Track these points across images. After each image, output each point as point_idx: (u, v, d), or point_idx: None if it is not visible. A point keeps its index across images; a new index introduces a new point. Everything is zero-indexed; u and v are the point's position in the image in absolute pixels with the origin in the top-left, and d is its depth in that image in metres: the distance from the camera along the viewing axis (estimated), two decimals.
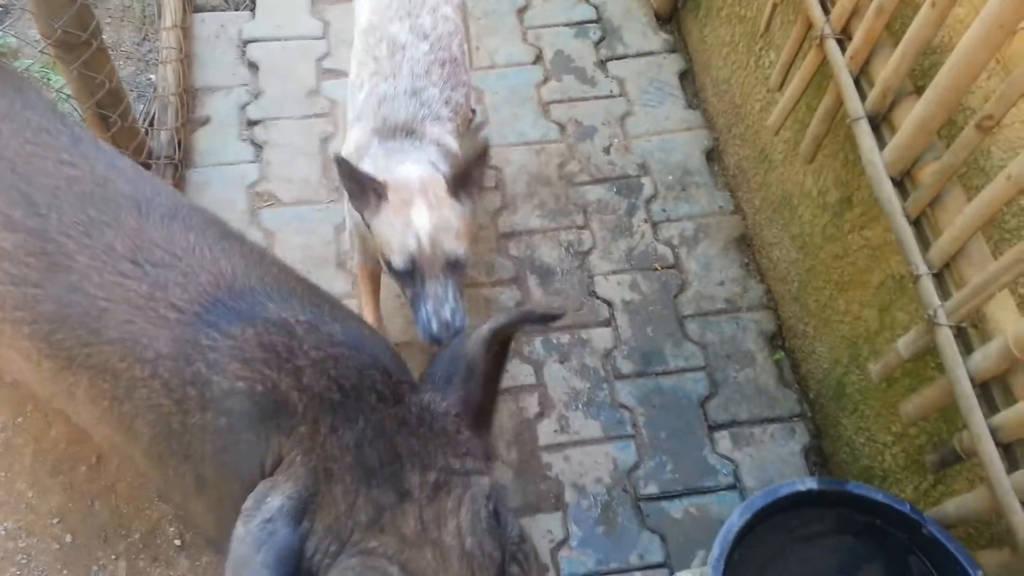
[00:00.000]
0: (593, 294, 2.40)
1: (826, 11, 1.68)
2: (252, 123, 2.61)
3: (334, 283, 2.37)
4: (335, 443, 1.06)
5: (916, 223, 1.47)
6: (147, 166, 2.36)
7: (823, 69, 1.75)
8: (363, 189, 1.57)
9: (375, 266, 1.97)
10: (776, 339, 2.35)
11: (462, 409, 1.13)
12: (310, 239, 2.43)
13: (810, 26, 1.75)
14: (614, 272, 2.43)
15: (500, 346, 1.20)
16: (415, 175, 1.63)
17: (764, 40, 2.26)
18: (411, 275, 1.57)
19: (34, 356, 1.29)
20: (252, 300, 1.22)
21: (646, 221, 2.52)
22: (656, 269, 2.44)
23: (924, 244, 1.45)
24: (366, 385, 1.13)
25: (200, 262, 1.26)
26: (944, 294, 1.41)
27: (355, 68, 1.88)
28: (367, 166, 1.70)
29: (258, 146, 2.58)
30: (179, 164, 2.47)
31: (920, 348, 1.51)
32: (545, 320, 1.25)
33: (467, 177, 1.62)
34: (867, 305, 1.93)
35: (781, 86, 1.99)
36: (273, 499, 1.01)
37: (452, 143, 1.81)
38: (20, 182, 1.33)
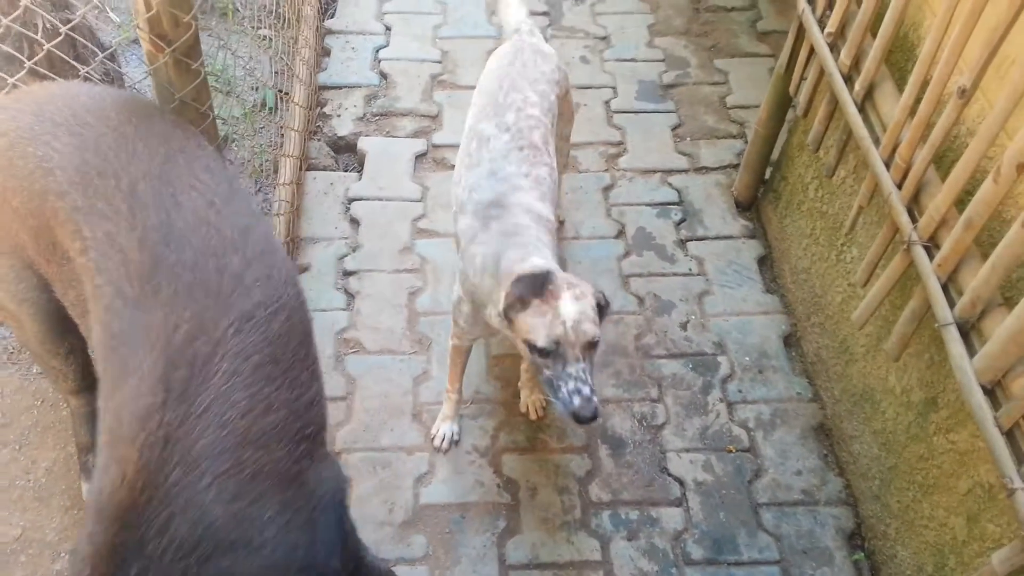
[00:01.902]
0: (665, 471, 2.39)
1: (913, 219, 1.78)
2: (348, 273, 2.81)
3: (407, 435, 2.44)
4: None
5: (1009, 434, 1.48)
6: None
7: (909, 271, 1.83)
8: (529, 298, 1.77)
9: (471, 343, 2.26)
10: (855, 538, 2.28)
11: None
12: (389, 388, 2.53)
13: (897, 231, 1.85)
14: (687, 450, 2.44)
15: None
16: (562, 275, 1.84)
17: (846, 237, 2.37)
18: (553, 356, 1.75)
19: None
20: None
21: (721, 400, 2.55)
22: (730, 451, 2.43)
23: (1018, 456, 1.45)
24: None
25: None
26: None
27: (457, 168, 2.16)
28: (481, 249, 1.94)
29: (351, 295, 2.76)
30: None
31: (1017, 566, 1.47)
32: None
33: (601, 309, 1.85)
34: (954, 512, 1.89)
35: (866, 283, 2.06)
36: None
37: (541, 208, 2.02)
38: (172, 208, 1.50)
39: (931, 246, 1.71)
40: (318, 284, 2.78)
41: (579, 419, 1.74)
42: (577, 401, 1.73)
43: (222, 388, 1.36)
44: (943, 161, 1.84)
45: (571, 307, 1.74)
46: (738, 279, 2.87)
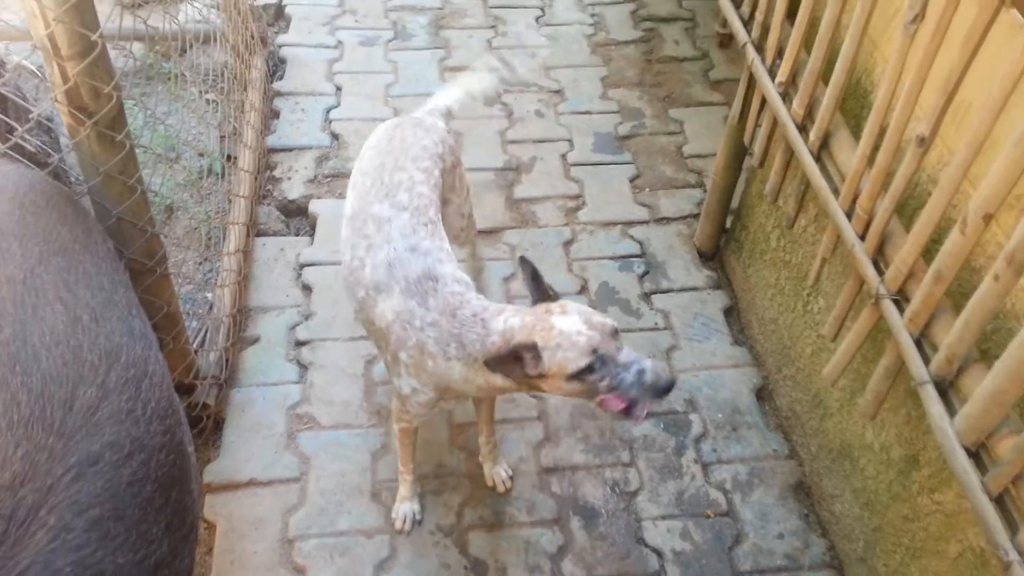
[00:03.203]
0: (641, 541, 2.27)
1: (879, 271, 1.71)
2: (300, 343, 2.68)
3: (366, 516, 2.29)
4: None
5: (999, 500, 1.39)
6: (192, 386, 2.39)
7: (880, 324, 1.76)
8: (516, 360, 1.67)
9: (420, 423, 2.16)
10: None
11: None
12: (346, 466, 2.39)
13: (863, 283, 1.78)
14: (663, 517, 2.32)
15: None
16: (525, 311, 1.76)
17: (811, 287, 2.31)
18: (599, 365, 1.64)
19: None
20: None
21: (696, 462, 2.45)
22: (708, 516, 2.32)
23: (1011, 525, 1.36)
24: None
25: None
26: None
27: (349, 252, 2.03)
28: (431, 333, 1.81)
29: (303, 367, 2.62)
30: (223, 384, 2.50)
31: None
32: None
33: (545, 288, 1.80)
34: None
35: (835, 337, 1.99)
36: None
37: (466, 278, 1.96)
38: (30, 322, 1.33)
39: (900, 299, 1.64)
40: (269, 356, 2.65)
41: (663, 388, 1.65)
42: (649, 377, 1.63)
43: (44, 548, 1.13)
44: (906, 209, 1.79)
45: (569, 320, 1.66)
46: (705, 332, 2.80)
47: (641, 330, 2.79)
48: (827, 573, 2.22)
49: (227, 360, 2.56)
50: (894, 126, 1.59)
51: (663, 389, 1.66)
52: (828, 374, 1.97)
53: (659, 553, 2.24)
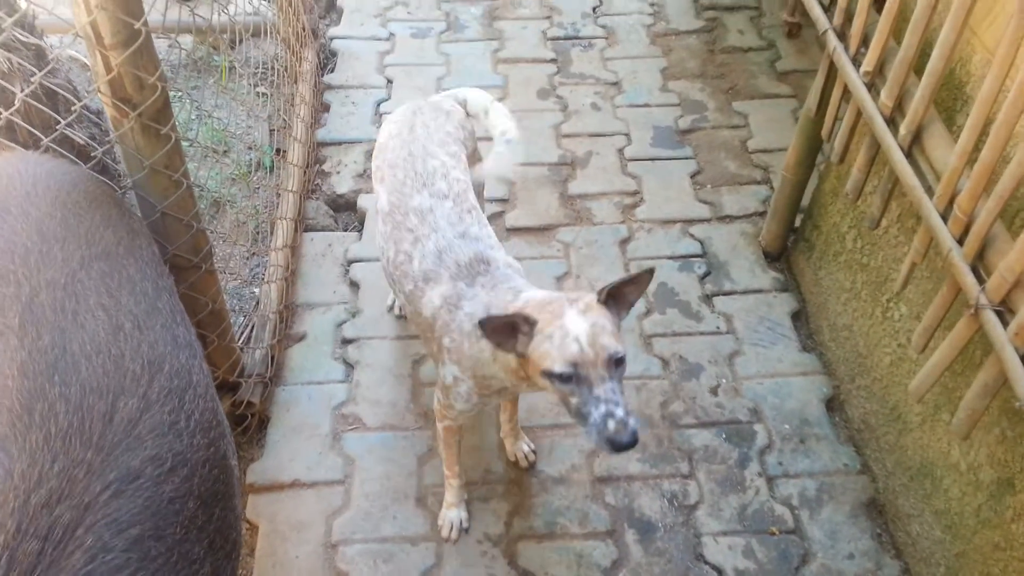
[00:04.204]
0: (701, 558, 2.14)
1: (980, 278, 1.56)
2: (347, 341, 2.61)
3: (412, 522, 2.21)
4: None
5: None
6: (236, 384, 2.34)
7: (978, 336, 1.60)
8: (511, 330, 1.60)
9: (465, 420, 2.06)
10: None
11: None
12: (391, 469, 2.31)
13: (959, 291, 1.62)
14: (724, 533, 2.19)
15: None
16: (555, 294, 1.69)
17: (895, 294, 2.14)
18: (575, 381, 1.56)
19: None
20: None
21: (760, 475, 2.31)
22: (773, 534, 2.18)
23: None
24: None
25: None
26: None
27: (392, 248, 1.97)
28: (468, 308, 1.77)
29: (350, 365, 2.55)
30: (269, 382, 2.45)
31: None
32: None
33: (619, 293, 1.64)
34: None
35: (923, 349, 1.83)
36: None
37: (516, 264, 1.92)
38: (70, 329, 1.28)
39: (1004, 310, 1.48)
40: (315, 354, 2.59)
41: (616, 446, 1.53)
42: (611, 425, 1.53)
43: (80, 571, 1.07)
44: (1008, 211, 1.63)
45: (579, 322, 1.56)
46: (771, 337, 2.64)
47: (702, 334, 2.65)
48: None
49: (273, 358, 2.50)
50: (1003, 120, 1.43)
51: (619, 445, 1.53)
52: (916, 389, 1.81)
53: (720, 571, 2.11)
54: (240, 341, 2.48)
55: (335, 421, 2.43)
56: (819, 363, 2.57)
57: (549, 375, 1.58)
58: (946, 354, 1.66)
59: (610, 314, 1.62)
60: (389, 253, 1.98)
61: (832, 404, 2.48)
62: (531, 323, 1.58)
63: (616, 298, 1.64)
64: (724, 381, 2.53)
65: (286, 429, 2.41)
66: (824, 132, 2.37)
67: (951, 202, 1.62)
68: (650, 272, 1.64)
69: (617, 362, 1.58)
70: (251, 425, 2.40)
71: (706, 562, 2.14)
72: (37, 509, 1.08)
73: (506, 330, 1.59)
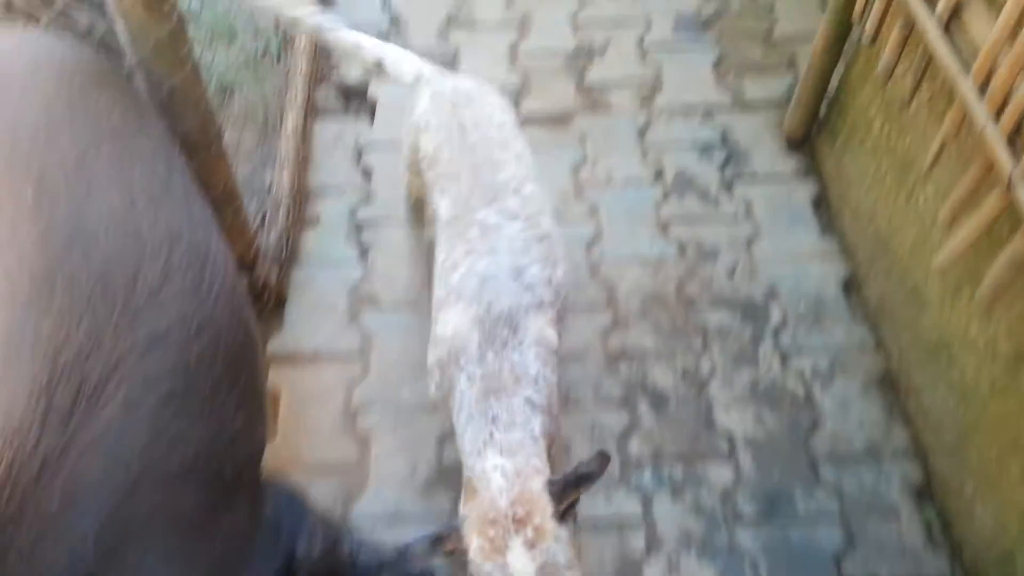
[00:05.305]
0: (711, 425, 2.40)
1: (1015, 155, 1.74)
2: (360, 226, 2.85)
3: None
4: None
5: None
6: (253, 264, 2.59)
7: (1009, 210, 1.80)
8: (445, 552, 1.48)
9: None
10: (925, 493, 2.27)
11: None
12: (409, 344, 2.57)
13: (991, 168, 1.82)
14: (736, 404, 2.44)
15: None
16: (505, 493, 1.47)
17: (922, 175, 2.34)
18: None
19: None
20: None
21: (774, 351, 2.55)
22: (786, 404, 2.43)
23: None
24: None
25: None
26: None
27: (444, 250, 1.88)
28: (462, 386, 1.68)
29: (364, 249, 2.80)
30: (284, 264, 2.70)
31: None
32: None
33: (577, 491, 1.49)
34: None
35: (952, 223, 2.04)
36: None
37: (552, 337, 1.78)
38: (84, 202, 1.37)
39: None
40: (329, 237, 2.83)
41: None
42: None
43: (116, 420, 1.23)
44: None
45: (525, 564, 1.40)
46: (791, 222, 2.86)
47: (720, 220, 2.87)
48: (910, 462, 2.31)
49: (288, 240, 2.75)
50: None
51: None
52: (941, 263, 2.02)
53: (730, 437, 2.37)
54: (255, 224, 2.72)
55: (352, 301, 2.68)
56: (838, 247, 2.79)
57: None
58: (974, 229, 1.87)
59: (564, 533, 1.47)
60: (440, 255, 1.91)
61: (849, 286, 2.71)
62: (463, 552, 1.45)
63: (574, 502, 1.51)
64: (741, 265, 2.76)
65: (303, 308, 2.67)
66: (856, 13, 2.54)
67: (988, 79, 1.80)
68: (606, 458, 1.50)
69: None
70: (269, 305, 2.66)
71: (717, 429, 2.40)
72: (67, 364, 1.22)
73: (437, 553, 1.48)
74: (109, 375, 1.24)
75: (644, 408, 2.44)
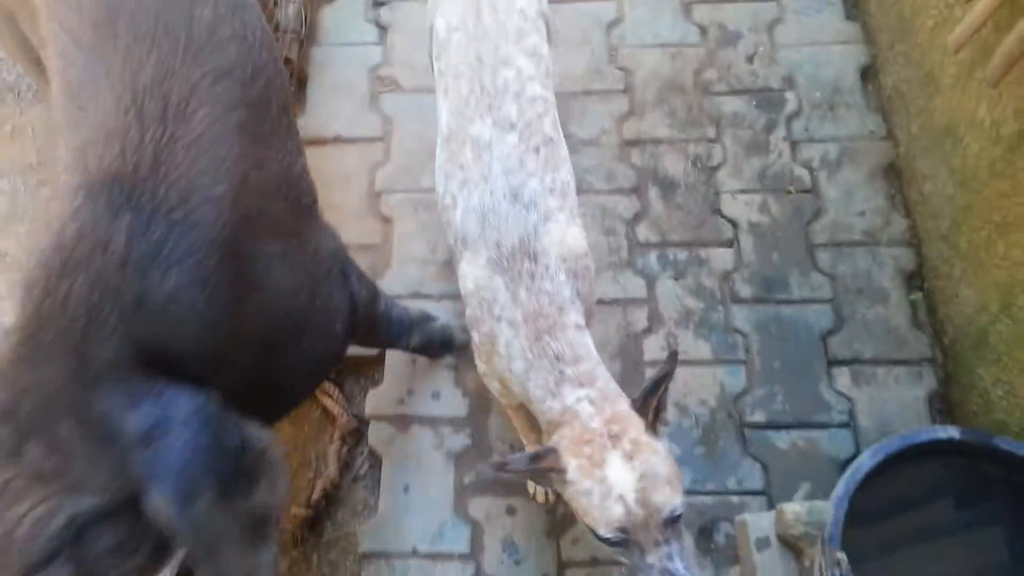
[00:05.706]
0: (717, 211, 2.52)
1: None
2: (379, 3, 2.82)
3: None
4: None
5: None
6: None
7: None
8: (542, 470, 1.47)
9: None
10: (914, 278, 2.42)
11: None
12: (428, 128, 2.62)
13: None
14: (743, 191, 2.54)
15: None
16: (596, 416, 1.47)
17: None
18: (624, 545, 1.42)
19: None
20: None
21: (785, 139, 2.60)
22: (789, 192, 2.53)
23: None
24: None
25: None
26: None
27: (442, 183, 1.77)
28: (505, 331, 1.60)
29: (383, 28, 2.79)
30: (304, 40, 2.71)
31: None
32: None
33: (661, 396, 1.48)
34: None
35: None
36: None
37: (574, 241, 1.67)
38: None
39: None
40: (347, 15, 2.82)
41: None
42: None
43: (207, 128, 1.37)
44: None
45: (624, 475, 1.39)
46: (816, 5, 2.80)
47: (745, 0, 2.80)
48: (904, 249, 2.45)
49: (306, 16, 2.73)
50: None
51: None
52: (956, 39, 2.02)
53: (734, 223, 2.50)
54: None
55: (372, 82, 2.72)
56: (861, 32, 2.75)
57: (593, 533, 1.45)
58: (990, 2, 1.85)
59: (660, 442, 1.46)
60: (439, 189, 1.78)
61: (868, 73, 2.70)
62: (561, 471, 1.44)
63: (660, 407, 1.49)
64: (761, 49, 2.74)
65: (324, 89, 2.71)
66: None
67: None
68: (675, 355, 1.47)
69: (676, 520, 1.41)
70: (292, 81, 2.69)
71: (722, 215, 2.52)
72: (146, 86, 1.37)
73: (536, 470, 1.47)
74: (188, 96, 1.40)
75: (654, 195, 2.55)
